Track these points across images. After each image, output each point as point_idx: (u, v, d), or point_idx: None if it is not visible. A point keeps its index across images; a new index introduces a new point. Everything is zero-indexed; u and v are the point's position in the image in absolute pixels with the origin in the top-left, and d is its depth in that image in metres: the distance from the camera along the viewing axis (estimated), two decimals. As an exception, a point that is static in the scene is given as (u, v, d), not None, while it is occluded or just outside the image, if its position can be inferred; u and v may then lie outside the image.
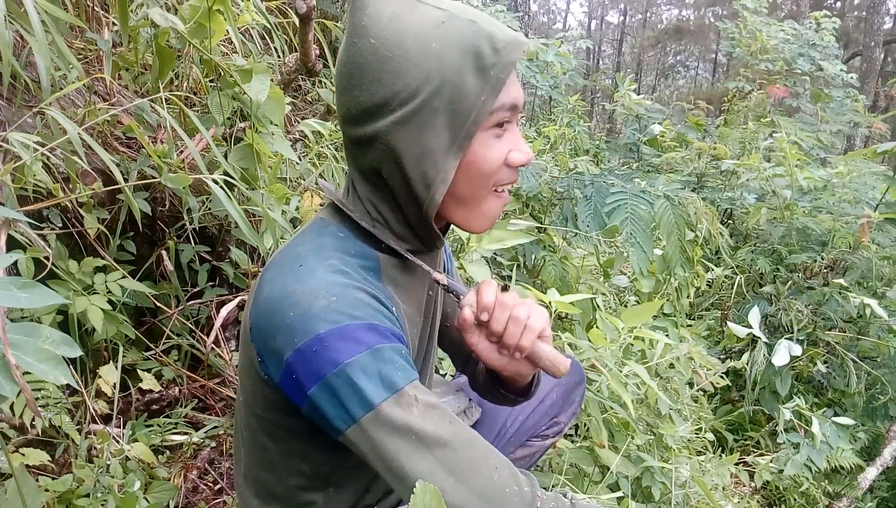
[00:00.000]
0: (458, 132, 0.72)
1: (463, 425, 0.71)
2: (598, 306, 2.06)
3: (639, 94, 4.61)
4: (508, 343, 0.83)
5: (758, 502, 2.23)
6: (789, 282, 3.06)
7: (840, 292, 2.80)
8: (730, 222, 3.94)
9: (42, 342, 0.68)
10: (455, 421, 0.70)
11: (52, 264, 1.19)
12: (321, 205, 1.95)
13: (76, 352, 0.69)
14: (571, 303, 1.58)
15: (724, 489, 1.99)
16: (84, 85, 1.52)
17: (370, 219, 0.81)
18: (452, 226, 0.88)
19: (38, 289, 0.63)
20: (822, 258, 3.00)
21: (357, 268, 0.76)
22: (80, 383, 1.38)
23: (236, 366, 1.77)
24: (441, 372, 1.78)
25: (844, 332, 2.83)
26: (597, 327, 1.65)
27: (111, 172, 1.36)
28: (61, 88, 1.54)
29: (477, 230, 0.82)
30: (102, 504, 1.07)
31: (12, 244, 1.15)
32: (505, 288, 0.87)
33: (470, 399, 1.24)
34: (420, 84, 0.71)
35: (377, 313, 0.72)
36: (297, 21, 1.97)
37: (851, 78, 5.19)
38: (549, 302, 1.51)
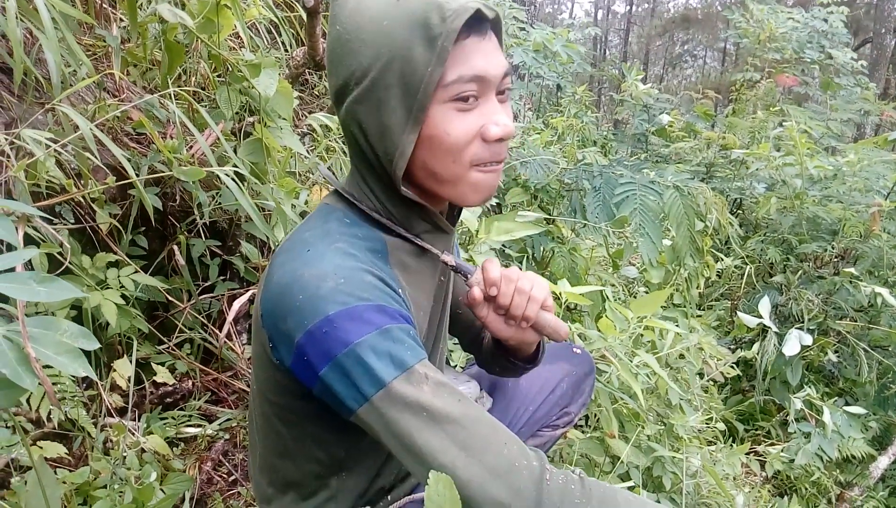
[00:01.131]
0: (411, 106, 0.72)
1: (472, 402, 0.72)
2: (608, 297, 2.06)
3: (646, 83, 4.58)
4: (515, 314, 0.89)
5: (769, 491, 2.23)
6: (799, 272, 3.04)
7: (851, 282, 2.79)
8: (739, 211, 3.92)
9: (60, 335, 0.69)
10: (464, 399, 0.72)
11: (68, 261, 1.20)
12: (330, 198, 1.96)
13: (94, 345, 0.70)
14: (581, 294, 1.58)
15: (734, 478, 1.99)
16: (94, 81, 1.53)
17: (371, 204, 0.83)
18: (462, 218, 0.90)
19: (57, 283, 0.64)
20: (833, 247, 2.99)
21: (365, 250, 0.77)
22: (93, 377, 1.39)
23: (248, 359, 1.79)
24: (451, 364, 1.78)
25: (855, 321, 2.82)
26: (606, 317, 1.65)
27: (122, 167, 1.36)
28: (71, 85, 1.55)
29: (472, 204, 0.83)
30: (120, 496, 1.09)
31: (26, 240, 1.16)
32: (506, 266, 0.91)
33: (481, 388, 1.25)
34: (371, 61, 0.72)
35: (384, 294, 0.73)
36: (302, 14, 1.97)
37: (861, 66, 5.14)
38: (560, 293, 1.51)
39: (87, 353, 0.69)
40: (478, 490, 0.67)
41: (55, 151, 1.23)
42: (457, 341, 1.23)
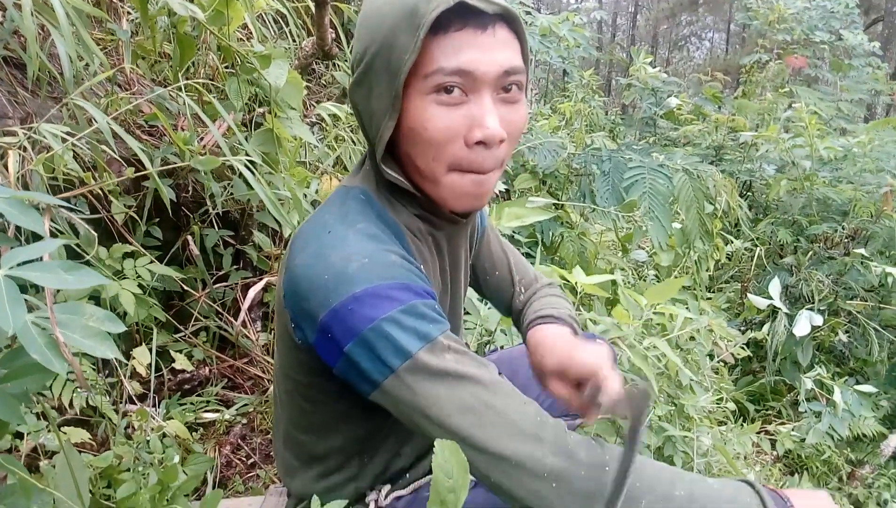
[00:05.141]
0: (391, 92, 0.73)
1: (492, 367, 0.74)
2: (620, 284, 2.07)
3: (654, 67, 4.55)
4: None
5: (780, 470, 2.25)
6: (810, 253, 3.04)
7: (861, 262, 2.78)
8: (749, 193, 3.91)
9: (87, 320, 0.71)
10: (485, 364, 0.73)
11: (95, 251, 1.22)
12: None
13: (120, 327, 0.72)
14: (596, 284, 1.58)
15: (745, 457, 2.01)
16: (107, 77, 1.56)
17: (374, 185, 0.84)
18: None
19: (83, 271, 0.66)
20: (843, 228, 2.98)
21: (384, 229, 0.79)
22: (120, 359, 1.42)
23: (263, 346, 1.82)
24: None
25: (866, 301, 2.82)
26: (621, 305, 1.65)
27: (136, 159, 1.39)
28: (83, 79, 1.57)
29: (453, 209, 0.82)
30: (144, 478, 1.12)
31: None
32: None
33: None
34: (366, 46, 0.74)
35: (409, 272, 0.74)
36: (310, 4, 1.98)
37: (873, 46, 5.08)
38: (575, 282, 1.51)
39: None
40: (507, 444, 0.68)
41: (72, 144, 1.26)
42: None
